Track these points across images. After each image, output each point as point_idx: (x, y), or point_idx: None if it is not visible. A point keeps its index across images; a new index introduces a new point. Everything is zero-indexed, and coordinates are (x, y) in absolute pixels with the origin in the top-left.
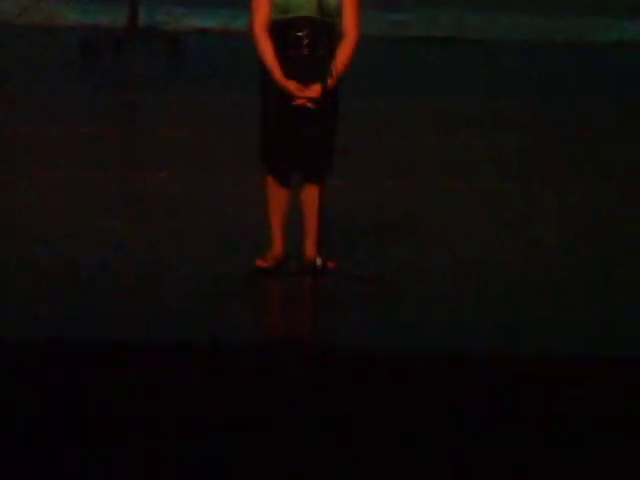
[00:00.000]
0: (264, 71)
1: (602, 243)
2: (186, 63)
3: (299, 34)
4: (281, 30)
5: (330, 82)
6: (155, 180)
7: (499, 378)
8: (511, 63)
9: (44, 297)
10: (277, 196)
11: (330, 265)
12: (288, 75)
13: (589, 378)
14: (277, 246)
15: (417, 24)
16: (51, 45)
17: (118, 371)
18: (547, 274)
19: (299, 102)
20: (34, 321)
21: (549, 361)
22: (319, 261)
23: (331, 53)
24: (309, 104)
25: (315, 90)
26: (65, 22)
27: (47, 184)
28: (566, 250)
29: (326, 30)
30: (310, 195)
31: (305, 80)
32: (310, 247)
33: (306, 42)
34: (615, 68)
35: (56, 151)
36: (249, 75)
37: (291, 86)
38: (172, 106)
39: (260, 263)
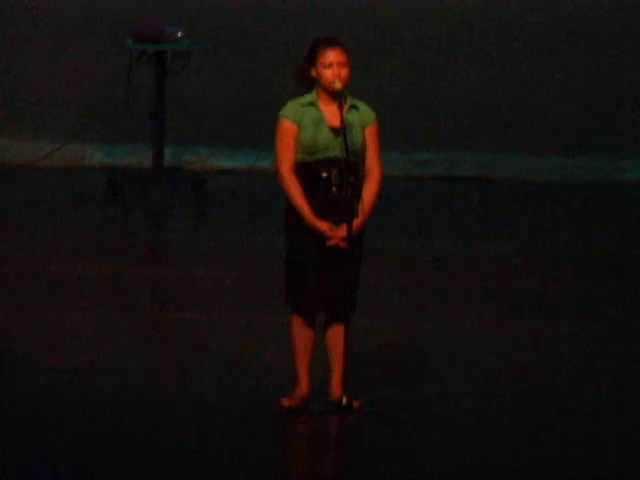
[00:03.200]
0: (290, 212)
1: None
2: (211, 203)
3: (326, 175)
4: (308, 171)
5: (358, 221)
6: (180, 320)
7: None
8: (531, 203)
9: (64, 434)
10: (303, 335)
11: (355, 404)
12: (317, 216)
13: None
14: (303, 385)
15: (440, 163)
16: (76, 186)
17: None
18: (565, 411)
19: (333, 242)
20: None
21: None
22: (345, 400)
23: (356, 193)
24: (342, 244)
25: (345, 230)
26: (91, 164)
27: (73, 324)
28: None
29: (352, 170)
30: (335, 334)
31: (334, 220)
32: (336, 386)
33: (334, 182)
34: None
35: (82, 291)
36: (274, 215)
37: (324, 227)
38: (197, 246)
39: (286, 402)
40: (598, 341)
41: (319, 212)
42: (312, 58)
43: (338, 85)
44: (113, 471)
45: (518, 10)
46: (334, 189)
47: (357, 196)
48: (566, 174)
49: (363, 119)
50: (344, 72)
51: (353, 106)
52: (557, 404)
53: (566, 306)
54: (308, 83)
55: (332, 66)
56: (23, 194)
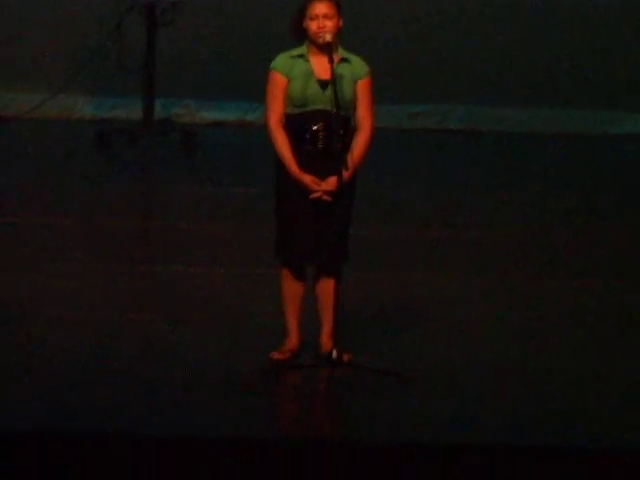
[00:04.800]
0: (279, 164)
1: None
2: (201, 156)
3: (315, 128)
4: (296, 124)
5: (346, 175)
6: (169, 273)
7: (507, 468)
8: (522, 154)
9: (60, 387)
10: (292, 288)
11: (345, 357)
12: (304, 168)
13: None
14: (292, 338)
15: (433, 116)
16: (66, 138)
17: (129, 465)
18: (563, 366)
19: (315, 196)
20: (45, 411)
21: (564, 451)
22: (335, 353)
23: (346, 146)
24: (325, 197)
25: (331, 183)
26: (81, 116)
27: (61, 277)
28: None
29: (341, 123)
30: (325, 287)
31: (321, 173)
32: (326, 339)
33: (322, 135)
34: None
35: (70, 243)
36: (264, 168)
37: (307, 179)
38: (187, 199)
39: (275, 355)
40: (596, 293)
41: (306, 165)
42: (303, 10)
43: (327, 37)
44: (109, 422)
45: None
46: (321, 142)
47: (346, 149)
48: (557, 126)
49: (355, 72)
50: (329, 24)
51: (344, 59)
52: (552, 356)
53: (561, 257)
54: (300, 35)
55: (318, 18)
56: (12, 145)
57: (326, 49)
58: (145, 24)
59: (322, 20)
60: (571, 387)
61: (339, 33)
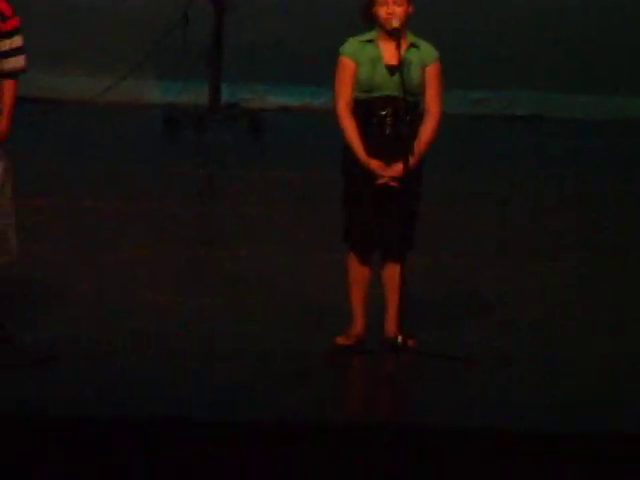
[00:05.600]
0: (346, 149)
1: None
2: (268, 140)
3: (382, 113)
4: (364, 109)
5: (413, 161)
6: (235, 257)
7: (576, 455)
8: (586, 141)
9: (125, 371)
10: (358, 274)
11: (410, 343)
12: (371, 154)
13: None
14: (358, 324)
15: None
16: (133, 123)
17: (192, 449)
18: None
19: (382, 181)
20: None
21: None
22: (400, 339)
23: (413, 131)
24: (392, 183)
25: (398, 169)
26: (148, 101)
27: (129, 261)
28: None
29: (409, 109)
30: (391, 272)
31: (388, 159)
32: (391, 324)
33: (389, 121)
34: None
35: (138, 228)
36: (331, 153)
37: (374, 165)
38: (253, 183)
39: (341, 340)
40: None
41: (373, 150)
42: None
43: (395, 23)
44: (165, 406)
45: None
46: (389, 127)
47: (413, 135)
48: (624, 113)
49: (423, 58)
50: (399, 10)
51: (413, 45)
52: (611, 342)
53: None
54: (370, 21)
55: (387, 4)
56: (80, 130)
57: (394, 35)
58: (212, 8)
59: (391, 6)
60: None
61: (409, 19)
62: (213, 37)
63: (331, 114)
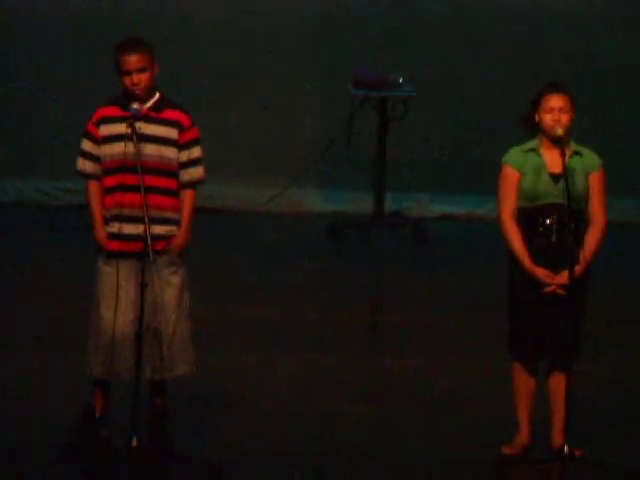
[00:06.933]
0: (511, 258)
1: None
2: (431, 248)
3: (548, 222)
4: (529, 217)
5: (579, 269)
6: (401, 367)
7: None
8: None
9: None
10: (524, 383)
11: (577, 453)
12: (536, 262)
13: None
14: (524, 433)
15: None
16: (297, 231)
17: None
18: None
19: (549, 289)
20: None
21: None
22: (566, 448)
23: (578, 239)
24: (559, 291)
25: (564, 277)
26: (311, 209)
27: (292, 367)
28: None
29: (573, 217)
30: (557, 382)
31: (554, 267)
32: (557, 434)
33: (555, 229)
34: None
35: (302, 335)
36: (494, 261)
37: (540, 273)
38: (418, 291)
39: (507, 450)
40: None
41: (539, 259)
42: (536, 103)
43: (559, 131)
44: None
45: None
46: (554, 236)
47: (578, 243)
48: None
49: (587, 165)
50: (565, 118)
51: (576, 152)
52: None
53: None
54: (532, 128)
55: (553, 111)
56: (244, 239)
57: (558, 142)
58: (377, 117)
59: (557, 113)
60: None
61: (572, 127)
62: (377, 146)
63: (494, 222)
